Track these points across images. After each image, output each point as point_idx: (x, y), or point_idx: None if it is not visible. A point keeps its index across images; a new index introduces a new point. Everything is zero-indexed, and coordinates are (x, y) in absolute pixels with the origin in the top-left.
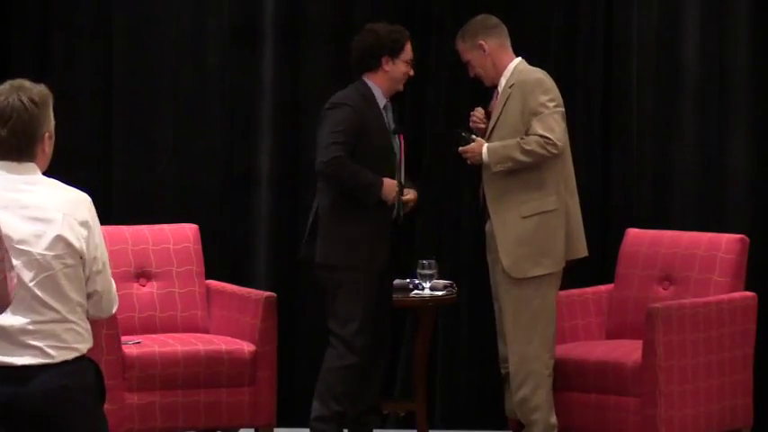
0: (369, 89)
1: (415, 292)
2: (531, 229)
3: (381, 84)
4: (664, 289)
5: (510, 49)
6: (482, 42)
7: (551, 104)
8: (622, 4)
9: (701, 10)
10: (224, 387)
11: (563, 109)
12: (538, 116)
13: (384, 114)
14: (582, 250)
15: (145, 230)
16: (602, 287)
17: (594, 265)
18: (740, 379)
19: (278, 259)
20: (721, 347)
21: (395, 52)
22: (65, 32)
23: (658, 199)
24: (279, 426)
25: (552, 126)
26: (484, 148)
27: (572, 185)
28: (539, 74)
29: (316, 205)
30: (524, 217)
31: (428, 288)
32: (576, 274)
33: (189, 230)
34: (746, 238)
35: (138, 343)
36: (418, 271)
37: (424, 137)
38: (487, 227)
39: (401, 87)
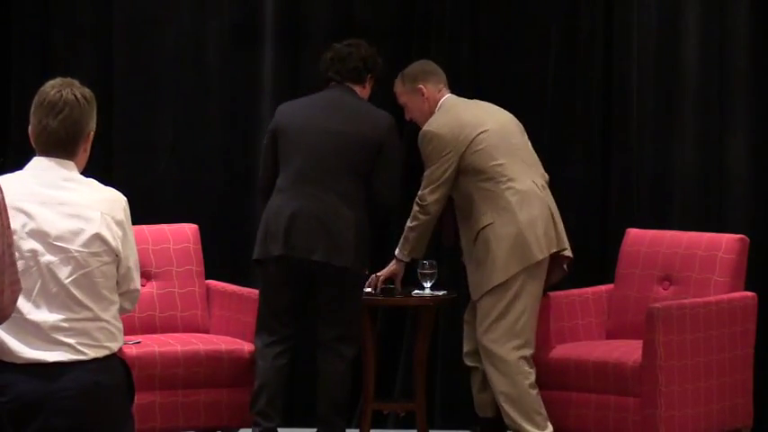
0: None
1: (416, 291)
2: (477, 251)
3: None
4: (664, 289)
5: (446, 93)
6: (421, 87)
7: (428, 161)
8: (622, 4)
9: (700, 10)
10: (224, 387)
11: (441, 161)
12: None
13: None
14: (540, 252)
15: (145, 230)
16: (602, 287)
17: (594, 265)
18: (740, 379)
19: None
20: (721, 347)
21: (375, 73)
22: (65, 31)
23: (658, 199)
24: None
25: (423, 188)
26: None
27: (526, 188)
28: (428, 126)
29: (351, 215)
30: (473, 241)
31: (428, 288)
32: (576, 274)
33: (189, 230)
34: (746, 238)
35: (138, 343)
36: (418, 271)
37: None
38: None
39: None
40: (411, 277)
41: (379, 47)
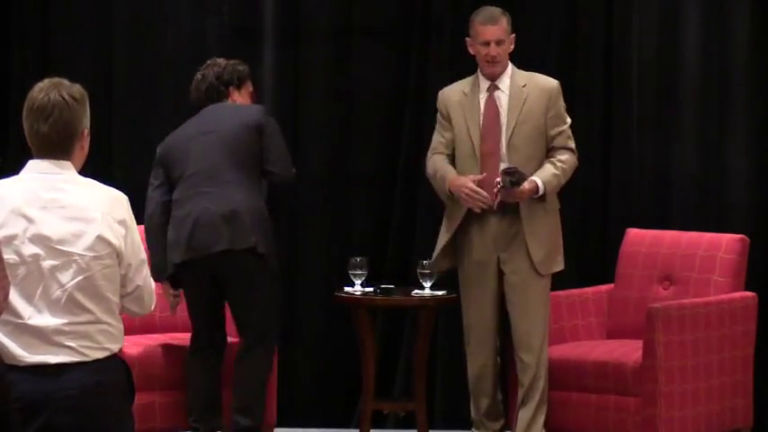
0: None
1: (415, 292)
2: (551, 226)
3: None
4: (664, 289)
5: None
6: (513, 37)
7: (565, 114)
8: (622, 5)
9: (700, 10)
10: (224, 387)
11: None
12: (566, 126)
13: None
14: None
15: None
16: (602, 287)
17: (594, 265)
18: (740, 379)
19: (277, 259)
20: (721, 347)
21: (241, 81)
22: (65, 32)
23: (658, 199)
24: (279, 426)
25: (573, 139)
26: (539, 184)
27: None
28: (554, 79)
29: (241, 199)
30: (548, 213)
31: (428, 288)
32: (576, 275)
33: None
34: (746, 238)
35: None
36: (418, 271)
37: (423, 136)
38: (473, 225)
39: None
40: (411, 277)
41: (379, 47)
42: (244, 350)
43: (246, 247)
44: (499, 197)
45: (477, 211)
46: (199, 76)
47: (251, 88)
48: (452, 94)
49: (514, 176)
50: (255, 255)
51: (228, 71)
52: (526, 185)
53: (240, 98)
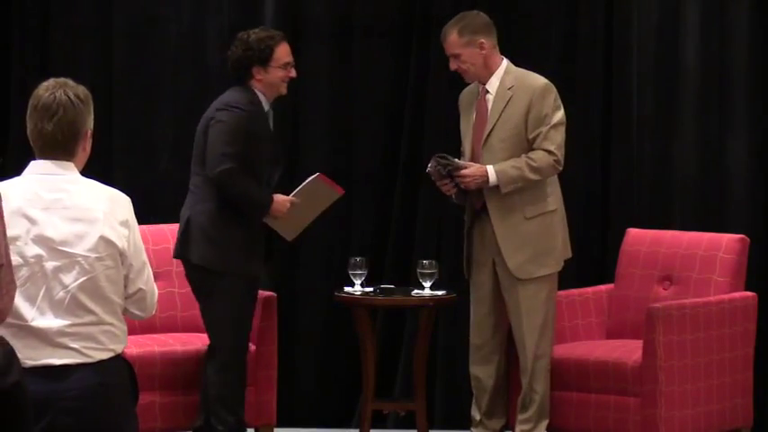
0: (255, 94)
1: (415, 291)
2: (534, 231)
3: (262, 90)
4: (664, 289)
5: (498, 50)
6: (483, 41)
7: (558, 115)
8: (622, 4)
9: (701, 10)
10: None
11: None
12: (546, 127)
13: (269, 120)
14: (569, 251)
15: (145, 230)
16: (602, 287)
17: (594, 265)
18: (740, 379)
19: (278, 259)
20: (721, 347)
21: (264, 61)
22: (65, 32)
23: (658, 199)
24: (279, 426)
25: (560, 142)
26: (490, 171)
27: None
28: (544, 79)
29: (190, 206)
30: (528, 218)
31: (428, 288)
32: (576, 274)
33: None
34: (746, 238)
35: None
36: (418, 271)
37: (423, 136)
38: (474, 225)
39: (284, 91)
40: (411, 277)
41: (379, 47)
42: (206, 359)
43: (180, 258)
44: (455, 190)
45: (448, 194)
46: (229, 52)
47: (283, 60)
48: (463, 97)
49: (443, 166)
50: (194, 266)
51: (249, 53)
52: (472, 170)
53: (266, 76)
